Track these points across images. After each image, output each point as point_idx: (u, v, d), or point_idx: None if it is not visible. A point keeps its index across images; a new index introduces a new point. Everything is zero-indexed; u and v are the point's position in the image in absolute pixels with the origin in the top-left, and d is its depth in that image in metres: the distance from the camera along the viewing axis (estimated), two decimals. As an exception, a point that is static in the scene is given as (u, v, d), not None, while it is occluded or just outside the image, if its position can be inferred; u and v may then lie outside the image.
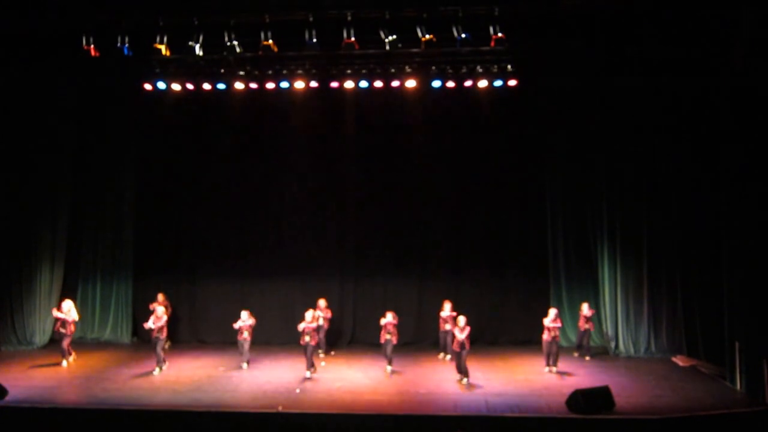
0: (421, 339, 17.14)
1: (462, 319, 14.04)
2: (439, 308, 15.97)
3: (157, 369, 14.75)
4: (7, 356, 16.28)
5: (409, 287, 17.63)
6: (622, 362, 15.85)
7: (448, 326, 15.41)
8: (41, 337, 17.25)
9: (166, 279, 17.80)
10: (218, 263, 18.12)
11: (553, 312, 15.02)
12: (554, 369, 14.75)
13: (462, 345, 13.76)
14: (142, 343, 17.19)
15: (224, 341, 16.93)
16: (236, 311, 15.53)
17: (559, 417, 11.77)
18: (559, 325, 15.01)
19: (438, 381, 14.11)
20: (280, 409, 12.00)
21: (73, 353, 15.65)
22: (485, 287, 17.63)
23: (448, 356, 15.70)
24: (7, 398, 12.43)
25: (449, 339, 15.26)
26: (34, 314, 17.19)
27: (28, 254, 17.25)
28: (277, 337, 17.03)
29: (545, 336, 14.88)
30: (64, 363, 15.34)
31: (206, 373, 14.88)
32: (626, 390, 13.15)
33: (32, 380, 14.13)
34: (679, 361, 15.75)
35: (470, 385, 13.66)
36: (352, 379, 14.37)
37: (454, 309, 15.55)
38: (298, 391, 13.34)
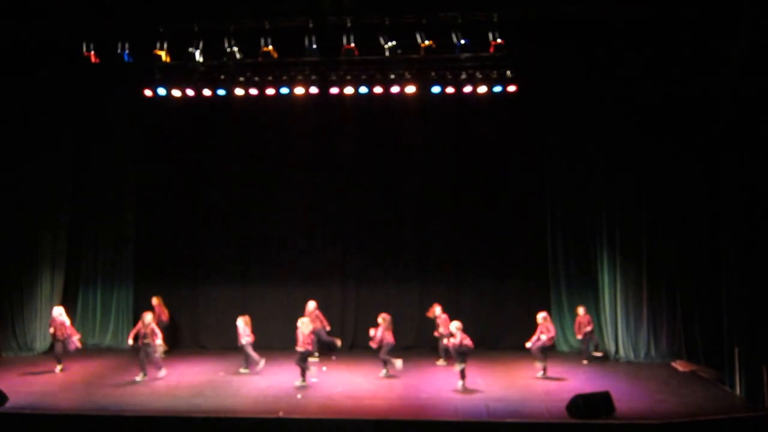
0: (421, 344, 17.13)
1: (454, 326, 13.98)
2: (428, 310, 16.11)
3: (141, 375, 14.64)
4: (7, 362, 16.28)
5: (410, 292, 17.65)
6: (622, 367, 15.86)
7: (442, 329, 15.42)
8: (42, 343, 17.23)
9: (166, 284, 17.76)
10: (219, 268, 18.12)
11: (541, 317, 14.96)
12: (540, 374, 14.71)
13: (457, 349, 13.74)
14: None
15: (225, 347, 16.95)
16: (237, 317, 15.52)
17: (560, 422, 11.78)
18: (552, 333, 14.98)
19: (439, 386, 14.12)
20: (281, 414, 12.01)
21: (62, 364, 15.47)
22: (485, 292, 17.65)
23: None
24: (8, 404, 12.42)
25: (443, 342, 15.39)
26: (34, 320, 17.18)
27: (28, 260, 17.24)
28: (278, 342, 16.99)
29: (535, 340, 14.80)
30: (58, 369, 15.32)
31: (207, 378, 14.88)
32: (626, 395, 13.15)
33: (33, 386, 14.12)
34: (679, 366, 15.76)
35: (469, 390, 13.67)
36: (353, 384, 14.37)
37: (444, 312, 15.64)
38: (299, 396, 13.35)
